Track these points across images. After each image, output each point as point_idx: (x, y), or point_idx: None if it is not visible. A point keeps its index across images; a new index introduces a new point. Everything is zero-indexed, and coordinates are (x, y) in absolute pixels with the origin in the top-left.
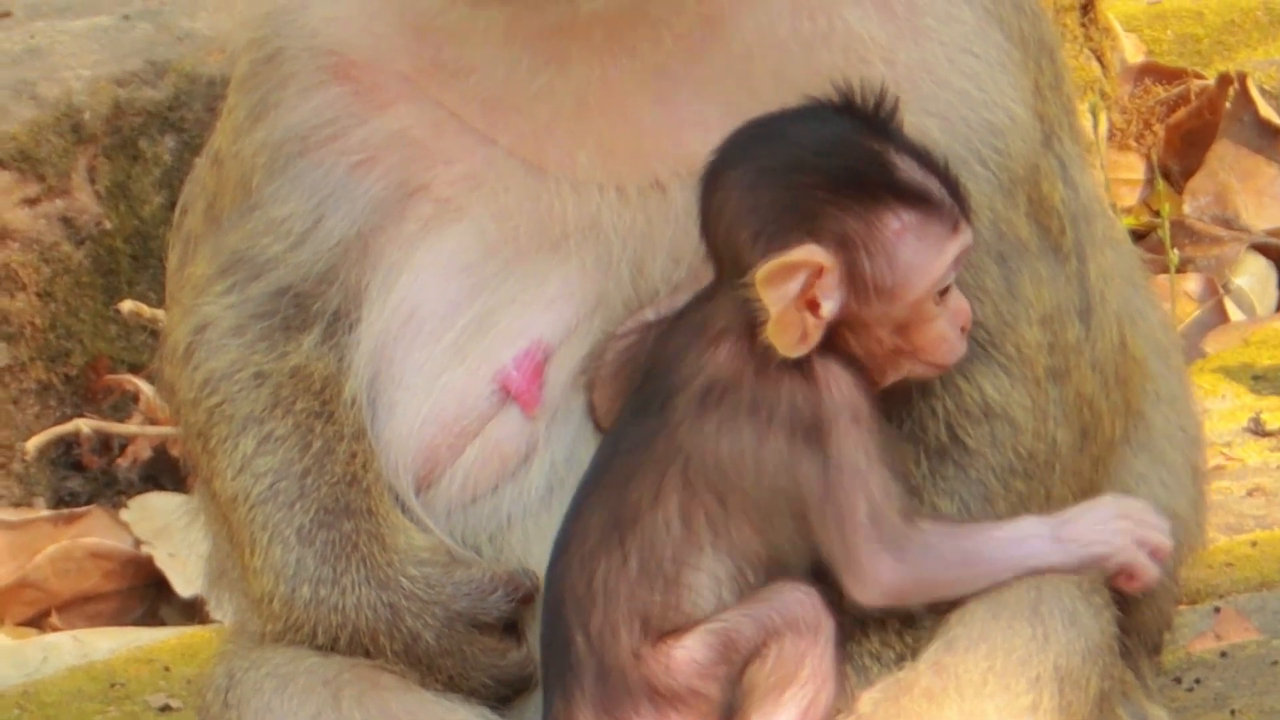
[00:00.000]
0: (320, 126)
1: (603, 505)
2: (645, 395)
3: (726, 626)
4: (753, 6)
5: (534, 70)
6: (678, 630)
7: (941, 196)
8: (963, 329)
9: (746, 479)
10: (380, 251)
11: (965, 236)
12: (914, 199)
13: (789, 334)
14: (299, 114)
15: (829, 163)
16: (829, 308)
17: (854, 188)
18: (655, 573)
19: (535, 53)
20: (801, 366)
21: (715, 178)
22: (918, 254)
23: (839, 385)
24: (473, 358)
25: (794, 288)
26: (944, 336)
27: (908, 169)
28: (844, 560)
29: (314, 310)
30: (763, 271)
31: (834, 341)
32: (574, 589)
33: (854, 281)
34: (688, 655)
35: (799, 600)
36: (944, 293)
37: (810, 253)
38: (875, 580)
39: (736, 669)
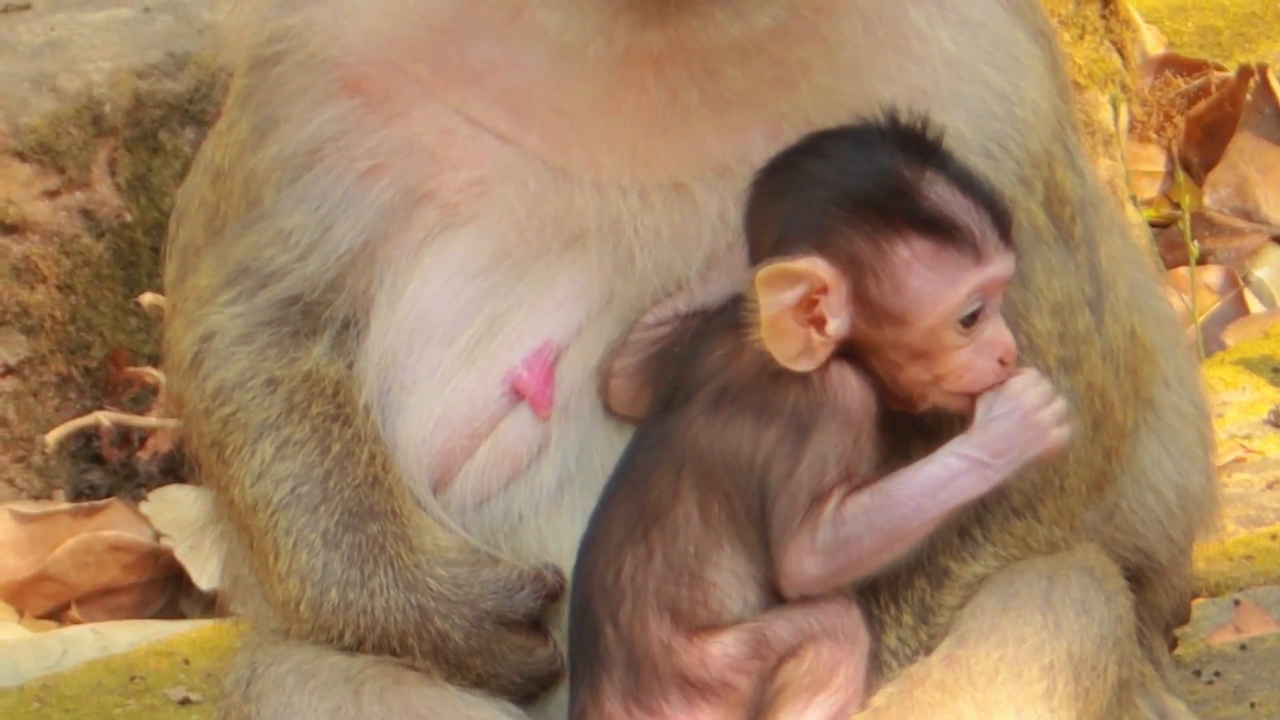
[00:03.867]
0: (330, 140)
1: (627, 500)
2: (671, 390)
3: (762, 625)
4: (829, 17)
5: (574, 71)
6: (713, 627)
7: (969, 227)
8: (1002, 361)
9: (742, 477)
10: (387, 260)
11: (994, 268)
12: (931, 229)
13: (787, 344)
14: (309, 129)
15: (850, 182)
16: (835, 326)
17: (868, 210)
18: (680, 568)
19: (582, 54)
20: (814, 373)
21: (757, 186)
22: (928, 283)
23: (844, 390)
24: (483, 360)
25: (789, 297)
26: (968, 367)
27: (936, 198)
28: (776, 546)
29: (323, 319)
30: (762, 273)
31: (860, 360)
32: (602, 582)
33: (862, 303)
34: (723, 650)
35: (839, 610)
36: (971, 322)
37: (813, 265)
38: (800, 578)
39: (770, 666)
